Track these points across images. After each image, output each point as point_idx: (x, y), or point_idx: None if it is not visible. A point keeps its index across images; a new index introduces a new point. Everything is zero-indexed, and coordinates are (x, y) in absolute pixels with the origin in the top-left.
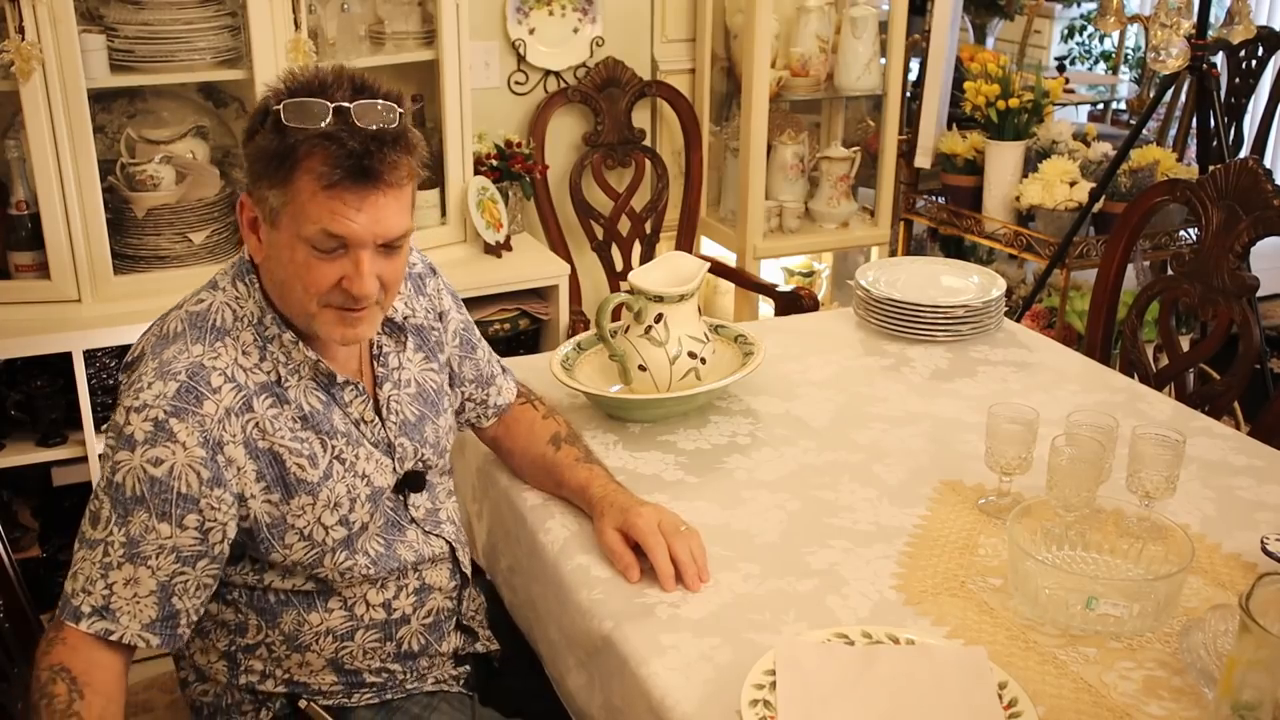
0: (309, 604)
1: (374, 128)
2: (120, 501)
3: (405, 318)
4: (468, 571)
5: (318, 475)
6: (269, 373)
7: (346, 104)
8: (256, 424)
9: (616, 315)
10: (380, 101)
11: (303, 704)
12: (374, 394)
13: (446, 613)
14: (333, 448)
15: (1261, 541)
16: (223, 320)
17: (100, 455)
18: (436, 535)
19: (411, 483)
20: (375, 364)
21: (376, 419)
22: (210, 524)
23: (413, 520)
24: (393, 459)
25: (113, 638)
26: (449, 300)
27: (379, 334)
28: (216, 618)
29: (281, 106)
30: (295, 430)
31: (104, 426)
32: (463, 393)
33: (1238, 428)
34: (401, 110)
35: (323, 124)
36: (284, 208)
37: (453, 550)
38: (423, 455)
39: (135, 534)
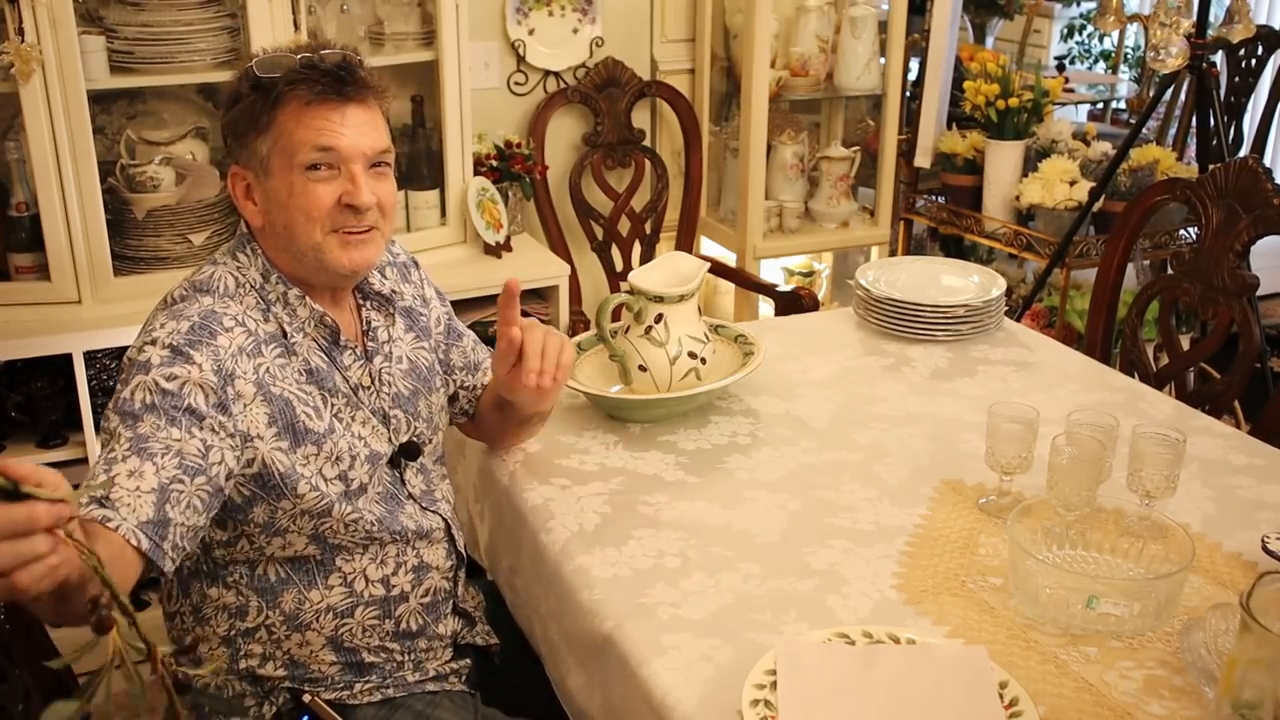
0: (309, 580)
1: (338, 59)
2: (130, 412)
3: (394, 292)
4: (464, 552)
5: (323, 427)
6: (275, 328)
7: (310, 53)
8: (268, 369)
9: (616, 315)
10: (342, 50)
11: (307, 698)
12: (369, 364)
13: (444, 594)
14: (333, 405)
15: (1262, 540)
16: (225, 287)
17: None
18: (433, 511)
19: (407, 453)
20: (365, 338)
21: (374, 386)
22: (212, 445)
23: (410, 496)
24: (388, 429)
25: (110, 525)
26: (432, 290)
27: (368, 310)
28: (217, 602)
29: (254, 63)
30: (300, 382)
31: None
32: (454, 381)
33: (1238, 427)
34: (361, 59)
35: (293, 67)
36: (274, 148)
37: (449, 528)
38: (416, 429)
39: (145, 432)
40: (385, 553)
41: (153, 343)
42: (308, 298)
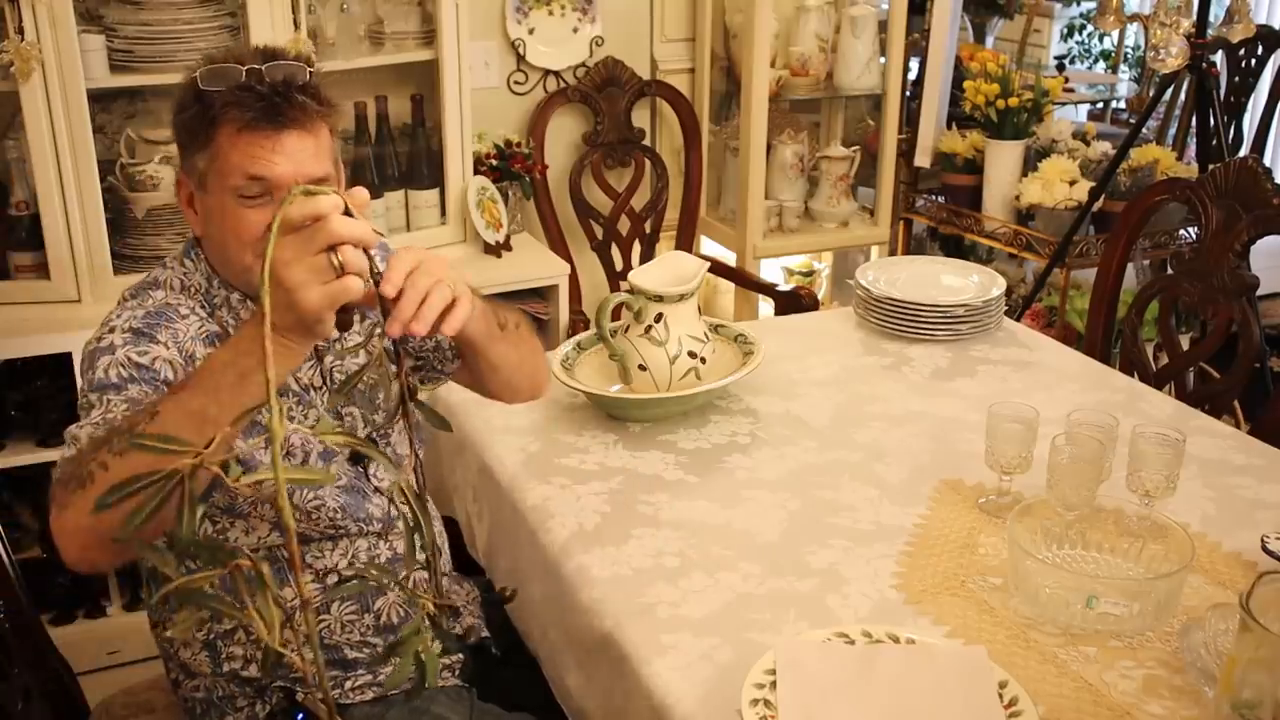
0: (280, 578)
1: (282, 77)
2: (112, 384)
3: None
4: (439, 544)
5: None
6: (220, 329)
7: (258, 66)
8: None
9: (616, 315)
10: (289, 62)
11: (300, 696)
12: (319, 364)
13: (424, 584)
14: (282, 406)
15: (1262, 540)
16: (170, 289)
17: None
18: (403, 502)
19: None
20: None
21: (324, 386)
22: None
23: (376, 490)
24: (342, 426)
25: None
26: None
27: None
28: None
29: (199, 75)
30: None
31: None
32: (412, 346)
33: (1238, 427)
34: (312, 70)
35: (236, 82)
36: (210, 167)
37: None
38: (375, 424)
39: (135, 395)
40: (356, 546)
41: (112, 330)
42: (250, 301)
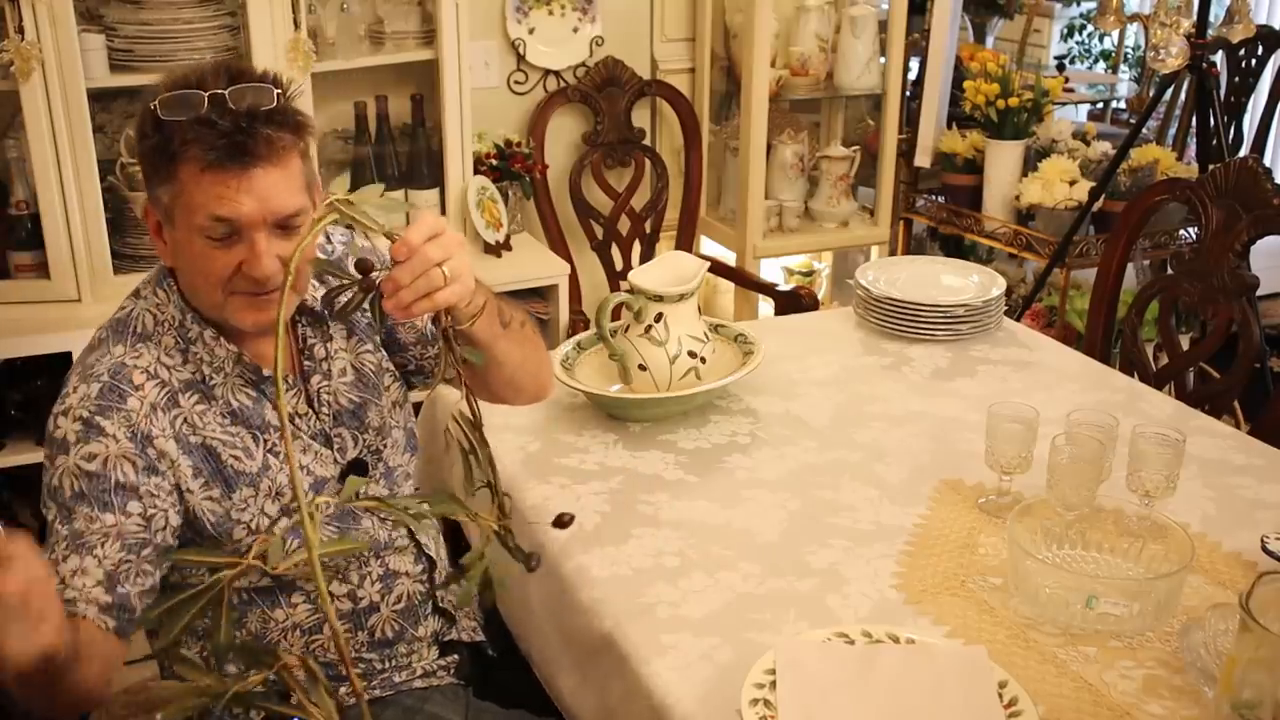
0: (271, 601)
1: (247, 107)
2: (62, 503)
3: (326, 306)
4: (434, 555)
5: (256, 466)
6: (193, 372)
7: (221, 90)
8: (185, 419)
9: (616, 315)
10: (255, 84)
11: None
12: (305, 387)
13: (420, 596)
14: (265, 441)
15: (1262, 540)
16: (143, 326)
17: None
18: (394, 522)
19: (357, 471)
20: (302, 358)
21: (310, 411)
22: (153, 510)
23: (366, 509)
24: (332, 450)
25: (75, 614)
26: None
27: (302, 326)
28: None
29: (157, 103)
30: (225, 426)
31: None
32: (410, 355)
33: (1238, 427)
34: (280, 90)
35: (198, 113)
36: (175, 203)
37: (413, 534)
38: (366, 441)
39: (79, 527)
40: (348, 566)
41: (65, 413)
42: (223, 339)
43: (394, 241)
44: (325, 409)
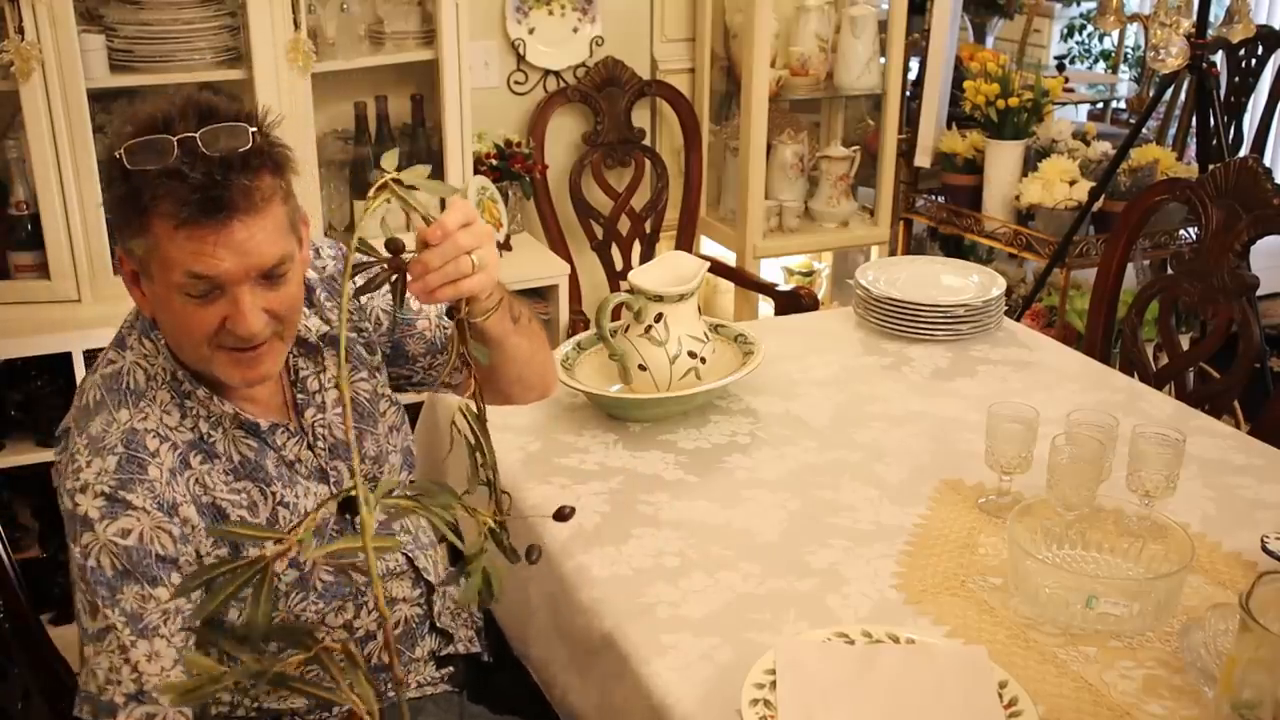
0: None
1: (220, 153)
2: (104, 583)
3: (322, 335)
4: (431, 578)
5: (262, 521)
6: (192, 429)
7: (191, 133)
8: (197, 480)
9: (616, 315)
10: (228, 124)
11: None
12: (300, 421)
13: (417, 619)
14: (272, 494)
15: (1262, 540)
16: (136, 383)
17: (66, 548)
18: (391, 549)
19: (353, 505)
20: (294, 390)
21: (309, 452)
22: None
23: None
24: (329, 484)
25: (155, 703)
26: (366, 297)
27: (294, 357)
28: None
29: (123, 151)
30: (230, 483)
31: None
32: (418, 367)
33: (1238, 427)
34: (255, 128)
35: (166, 160)
36: (149, 256)
37: (410, 560)
38: (362, 471)
39: (133, 608)
40: (344, 603)
41: (83, 489)
42: (216, 397)
43: (428, 224)
44: (321, 443)
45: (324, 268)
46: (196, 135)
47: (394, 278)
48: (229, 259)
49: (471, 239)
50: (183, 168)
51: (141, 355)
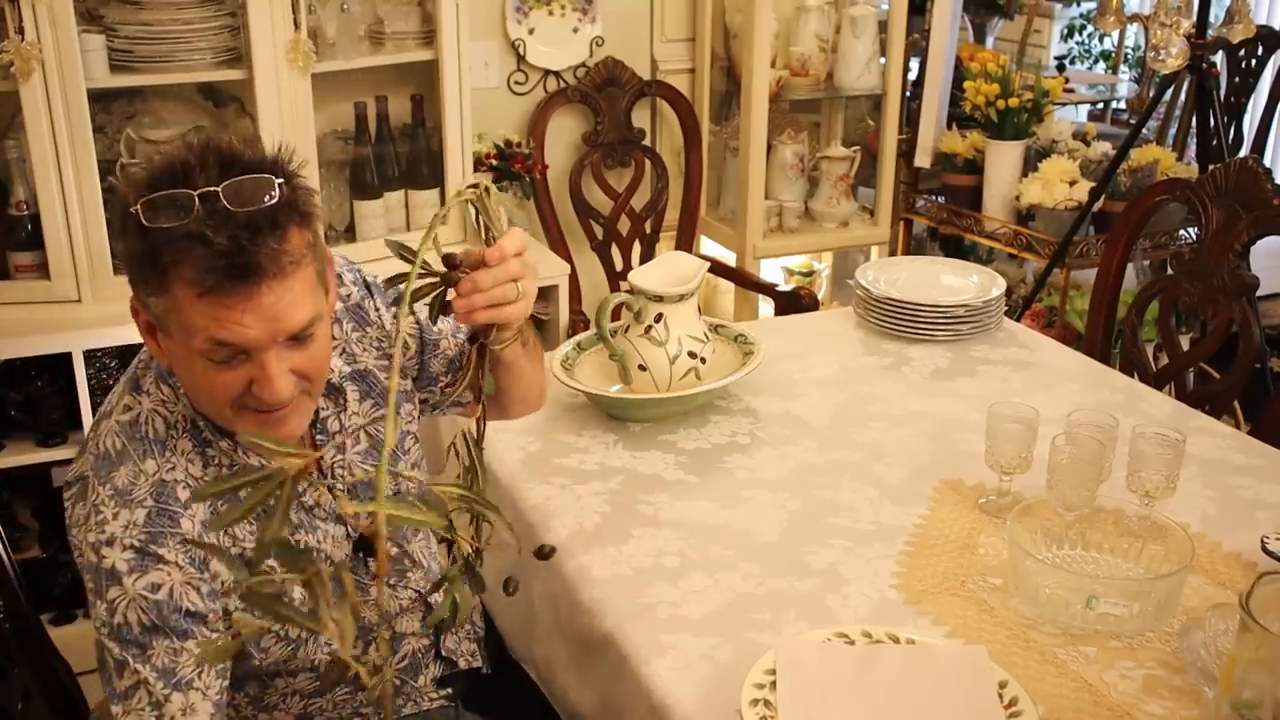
0: (274, 668)
1: (245, 213)
2: (132, 639)
3: (344, 375)
4: (444, 613)
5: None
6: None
7: (214, 187)
8: (226, 531)
9: (616, 315)
10: (252, 176)
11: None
12: (318, 466)
13: (424, 650)
14: (296, 542)
15: (1262, 540)
16: (156, 431)
17: (89, 604)
18: (403, 587)
19: (365, 547)
20: (314, 430)
21: (329, 495)
22: (218, 636)
23: (374, 576)
24: (345, 526)
25: None
26: (390, 313)
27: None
28: None
29: (139, 207)
30: (255, 534)
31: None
32: (439, 386)
33: (1238, 427)
34: (281, 179)
35: (188, 218)
36: (169, 316)
37: (422, 596)
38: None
39: (165, 663)
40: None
41: (109, 543)
42: (240, 449)
43: (489, 246)
44: (339, 484)
45: (348, 295)
46: (219, 189)
47: (440, 290)
48: (256, 326)
49: (521, 268)
50: (206, 231)
51: (159, 401)
